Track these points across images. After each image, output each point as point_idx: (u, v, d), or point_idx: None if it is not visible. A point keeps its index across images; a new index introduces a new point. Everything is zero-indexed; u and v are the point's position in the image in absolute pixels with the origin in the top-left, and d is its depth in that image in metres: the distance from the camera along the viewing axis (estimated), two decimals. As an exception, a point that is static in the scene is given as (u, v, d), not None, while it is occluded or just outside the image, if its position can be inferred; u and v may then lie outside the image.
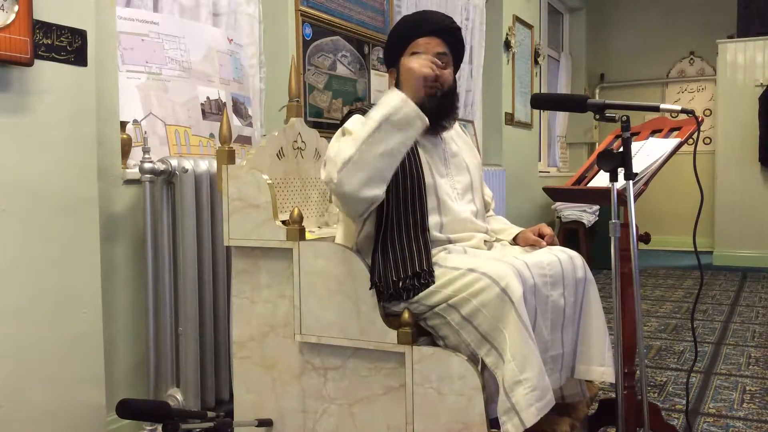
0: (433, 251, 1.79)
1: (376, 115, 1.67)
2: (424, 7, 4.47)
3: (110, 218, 2.15)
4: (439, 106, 1.87)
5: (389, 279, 1.72)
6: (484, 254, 1.85)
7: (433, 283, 1.71)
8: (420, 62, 1.75)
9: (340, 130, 1.83)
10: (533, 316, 1.67)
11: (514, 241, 2.03)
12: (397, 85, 1.89)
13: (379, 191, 1.69)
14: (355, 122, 1.83)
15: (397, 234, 1.76)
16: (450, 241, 1.86)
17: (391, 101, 1.69)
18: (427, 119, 1.70)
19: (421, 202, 1.80)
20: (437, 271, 1.73)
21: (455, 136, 2.04)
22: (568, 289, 1.81)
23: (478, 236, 1.91)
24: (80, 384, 1.92)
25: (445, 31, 1.91)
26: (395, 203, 1.78)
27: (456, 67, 1.98)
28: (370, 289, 1.74)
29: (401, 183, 1.79)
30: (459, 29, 1.97)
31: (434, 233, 1.83)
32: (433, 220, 1.84)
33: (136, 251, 2.25)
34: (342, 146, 1.70)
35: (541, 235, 1.97)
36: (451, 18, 1.97)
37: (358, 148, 1.65)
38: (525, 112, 6.09)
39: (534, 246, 1.95)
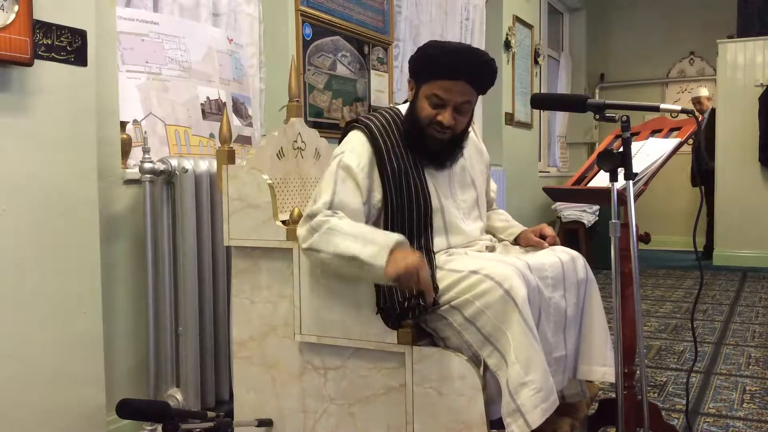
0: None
1: (360, 252, 1.62)
2: (424, 8, 4.46)
3: (110, 218, 2.15)
4: (445, 149, 1.84)
5: (395, 300, 1.71)
6: (486, 256, 1.84)
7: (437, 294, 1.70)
8: (415, 279, 1.59)
9: (338, 164, 1.77)
10: (537, 318, 1.67)
11: (516, 241, 2.03)
12: (412, 103, 1.83)
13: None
14: (354, 156, 1.77)
15: None
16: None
17: (376, 260, 1.60)
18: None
19: (426, 224, 1.80)
20: (439, 274, 1.72)
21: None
22: (569, 291, 1.80)
23: (480, 243, 1.92)
24: (80, 384, 1.92)
25: (476, 76, 1.76)
26: (401, 226, 1.78)
27: (482, 93, 1.86)
28: (377, 314, 1.74)
29: (407, 208, 1.78)
30: (493, 70, 1.80)
31: (440, 257, 1.80)
32: (439, 241, 1.83)
33: (136, 251, 2.24)
34: (323, 234, 1.68)
35: (543, 236, 1.96)
36: (487, 56, 1.78)
37: (325, 253, 1.68)
38: (525, 112, 6.09)
39: (535, 247, 1.94)
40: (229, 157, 1.92)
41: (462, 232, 1.88)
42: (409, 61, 1.86)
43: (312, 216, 1.72)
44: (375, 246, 1.62)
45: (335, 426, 1.85)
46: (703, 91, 6.70)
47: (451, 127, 1.78)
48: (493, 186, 2.17)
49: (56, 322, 1.85)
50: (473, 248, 1.88)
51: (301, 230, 1.75)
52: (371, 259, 1.61)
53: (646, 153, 2.07)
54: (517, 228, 2.06)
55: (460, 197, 1.92)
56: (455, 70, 1.73)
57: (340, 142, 1.87)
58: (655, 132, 2.22)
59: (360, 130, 1.83)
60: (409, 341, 1.71)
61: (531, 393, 1.56)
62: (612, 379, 1.82)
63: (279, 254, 1.87)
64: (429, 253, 1.77)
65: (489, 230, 2.08)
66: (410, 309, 1.69)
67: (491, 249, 1.95)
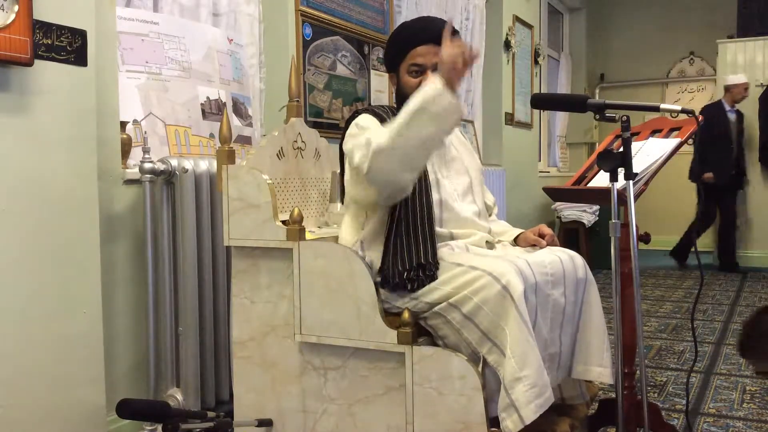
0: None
1: (412, 104, 1.63)
2: (424, 7, 4.47)
3: (110, 218, 2.15)
4: None
5: (396, 268, 1.75)
6: (486, 252, 1.86)
7: (437, 274, 1.73)
8: (449, 51, 1.62)
9: (354, 127, 1.85)
10: (533, 315, 1.68)
11: (515, 242, 2.04)
12: (398, 90, 1.95)
13: (410, 177, 1.70)
14: (368, 120, 1.87)
15: (404, 226, 1.78)
16: (452, 236, 1.87)
17: (428, 91, 1.62)
18: (463, 111, 1.63)
19: (428, 196, 1.84)
20: (440, 264, 1.75)
21: (455, 140, 2.05)
22: (568, 289, 1.81)
23: (480, 234, 1.92)
24: (80, 384, 1.92)
25: (437, 36, 1.84)
26: (402, 200, 1.81)
27: None
28: (378, 272, 1.77)
29: None
30: (457, 33, 1.92)
31: (436, 228, 1.84)
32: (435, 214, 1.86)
33: (136, 251, 2.25)
34: (375, 134, 1.69)
35: (542, 235, 1.97)
36: (441, 19, 1.96)
37: (391, 137, 1.64)
38: (525, 112, 6.09)
39: (534, 246, 1.95)
40: (229, 157, 1.92)
41: (454, 209, 1.90)
42: (384, 54, 2.06)
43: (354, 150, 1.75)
44: (420, 96, 1.62)
45: (335, 426, 1.85)
46: (740, 78, 6.01)
47: None
48: (491, 196, 2.17)
49: (56, 322, 1.85)
50: (472, 239, 1.89)
51: (357, 158, 1.72)
52: (428, 100, 1.60)
53: (646, 153, 2.07)
54: (516, 231, 2.07)
55: (455, 179, 1.96)
56: (419, 35, 1.91)
57: (346, 128, 1.94)
58: (655, 132, 2.22)
59: (366, 112, 1.95)
60: (408, 341, 1.71)
61: (525, 388, 1.57)
62: (607, 380, 1.85)
63: (279, 254, 1.87)
64: (431, 226, 1.79)
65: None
66: (409, 281, 1.73)
67: (491, 244, 1.96)
